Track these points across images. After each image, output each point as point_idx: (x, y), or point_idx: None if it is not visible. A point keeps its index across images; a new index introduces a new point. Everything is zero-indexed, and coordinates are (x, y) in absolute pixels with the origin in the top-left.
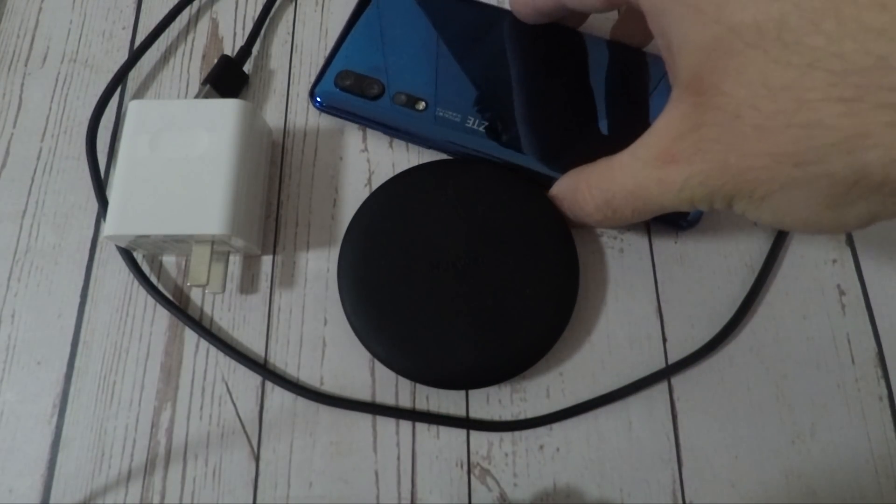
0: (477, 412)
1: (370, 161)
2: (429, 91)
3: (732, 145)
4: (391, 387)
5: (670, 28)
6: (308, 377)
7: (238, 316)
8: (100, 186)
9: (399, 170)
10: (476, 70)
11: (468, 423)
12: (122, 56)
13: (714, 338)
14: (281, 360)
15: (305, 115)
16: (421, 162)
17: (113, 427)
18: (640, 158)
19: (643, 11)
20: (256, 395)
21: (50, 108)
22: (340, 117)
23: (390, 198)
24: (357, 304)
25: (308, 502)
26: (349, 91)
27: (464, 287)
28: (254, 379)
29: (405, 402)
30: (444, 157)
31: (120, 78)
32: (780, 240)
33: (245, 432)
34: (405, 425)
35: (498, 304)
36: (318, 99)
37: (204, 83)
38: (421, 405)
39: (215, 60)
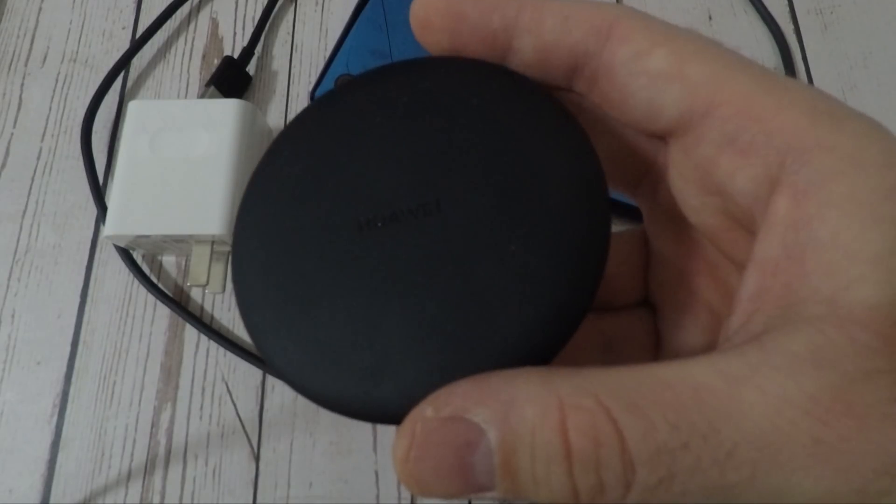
0: None
1: None
2: None
3: None
4: None
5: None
6: None
7: (238, 315)
8: (95, 181)
9: None
10: None
11: None
12: None
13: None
14: None
15: None
16: None
17: (113, 427)
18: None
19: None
20: (256, 395)
21: (50, 108)
22: None
23: (307, 131)
24: (247, 295)
25: (308, 502)
26: None
27: (414, 253)
28: (254, 379)
29: None
30: None
31: (114, 75)
32: None
33: (245, 432)
34: None
35: (471, 280)
36: None
37: (207, 84)
38: None
39: (215, 60)
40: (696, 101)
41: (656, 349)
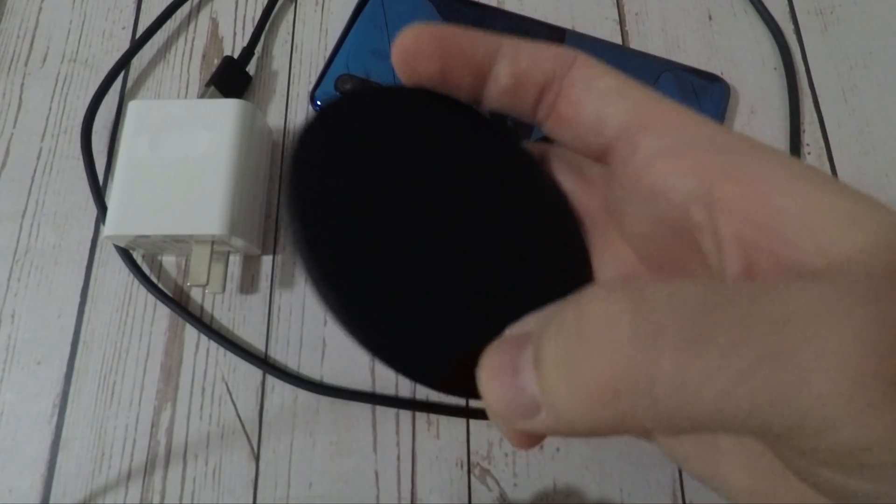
0: (477, 402)
1: None
2: None
3: None
4: (391, 388)
5: None
6: (308, 376)
7: (238, 316)
8: (95, 181)
9: None
10: None
11: (468, 413)
12: None
13: None
14: (281, 359)
15: (305, 115)
16: None
17: (113, 427)
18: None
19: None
20: (256, 395)
21: (50, 108)
22: None
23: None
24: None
25: (308, 502)
26: None
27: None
28: (254, 379)
29: (405, 396)
30: None
31: (114, 75)
32: None
33: (245, 432)
34: (405, 425)
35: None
36: (319, 103)
37: (207, 84)
38: (421, 399)
39: (215, 60)
40: (636, 115)
41: None
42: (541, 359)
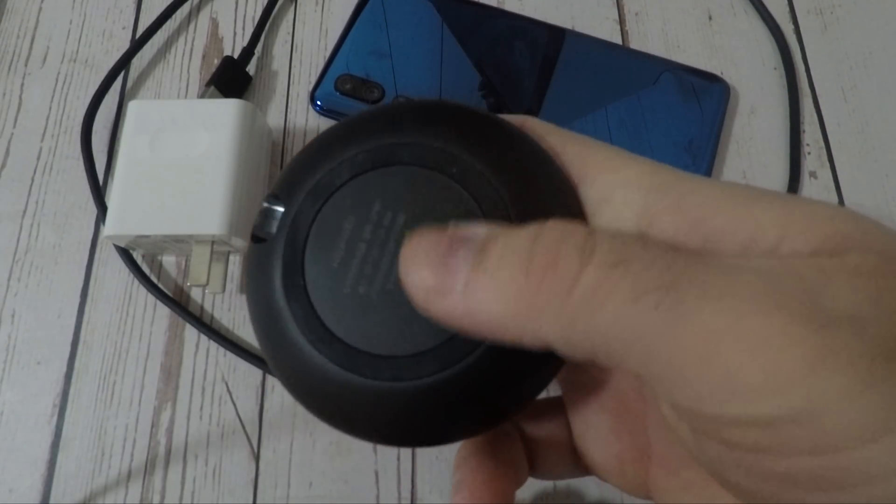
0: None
1: None
2: (430, 95)
3: None
4: None
5: None
6: None
7: (238, 316)
8: (95, 181)
9: None
10: (479, 74)
11: None
12: None
13: None
14: None
15: (305, 115)
16: None
17: (113, 427)
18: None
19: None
20: (256, 395)
21: (50, 108)
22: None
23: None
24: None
25: (308, 502)
26: (349, 95)
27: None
28: (254, 379)
29: None
30: None
31: (114, 75)
32: None
33: (245, 432)
34: None
35: None
36: (319, 103)
37: (207, 84)
38: None
39: (215, 60)
40: (574, 170)
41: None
42: (486, 255)
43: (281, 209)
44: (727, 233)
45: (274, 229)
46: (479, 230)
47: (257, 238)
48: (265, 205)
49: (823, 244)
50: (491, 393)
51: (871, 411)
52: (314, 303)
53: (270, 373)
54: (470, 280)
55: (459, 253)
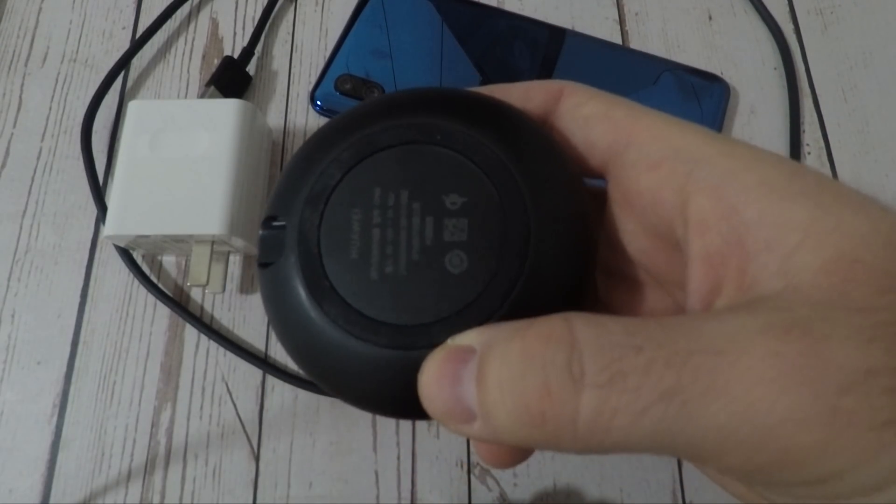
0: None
1: None
2: None
3: None
4: None
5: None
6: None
7: (238, 316)
8: (95, 181)
9: None
10: (479, 74)
11: None
12: None
13: None
14: (281, 359)
15: (305, 115)
16: None
17: (113, 427)
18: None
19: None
20: (256, 395)
21: (50, 108)
22: None
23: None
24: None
25: (308, 502)
26: (349, 95)
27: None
28: (254, 379)
29: None
30: None
31: (114, 75)
32: None
33: (245, 432)
34: (405, 425)
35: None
36: (319, 103)
37: (207, 84)
38: None
39: (215, 61)
40: (619, 134)
41: None
42: (485, 375)
43: (282, 226)
44: (753, 227)
45: (281, 250)
46: (473, 339)
47: (264, 264)
48: (263, 232)
49: (834, 265)
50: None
51: (882, 472)
52: (347, 298)
53: (269, 373)
54: (482, 407)
55: (464, 376)
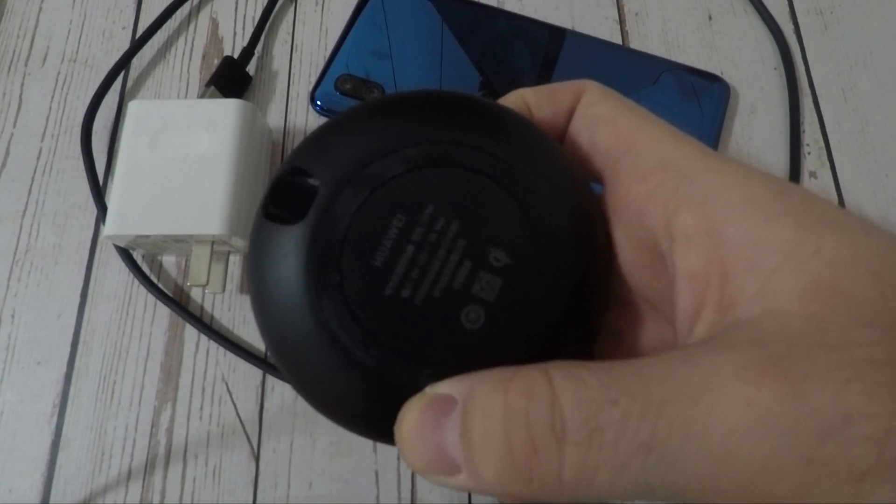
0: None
1: None
2: None
3: None
4: None
5: None
6: None
7: (238, 316)
8: (95, 181)
9: None
10: (479, 74)
11: None
12: None
13: None
14: None
15: (305, 115)
16: None
17: (113, 427)
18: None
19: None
20: (256, 395)
21: (50, 108)
22: None
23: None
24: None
25: (308, 502)
26: (349, 95)
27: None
28: (254, 379)
29: None
30: None
31: (114, 75)
32: None
33: (245, 432)
34: None
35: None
36: (319, 103)
37: (207, 84)
38: None
39: (215, 60)
40: (620, 139)
41: None
42: (469, 430)
43: (314, 186)
44: (734, 247)
45: (302, 212)
46: (453, 388)
47: (274, 216)
48: (286, 177)
49: (813, 292)
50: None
51: None
52: (350, 301)
53: (269, 373)
54: (468, 461)
55: (446, 428)
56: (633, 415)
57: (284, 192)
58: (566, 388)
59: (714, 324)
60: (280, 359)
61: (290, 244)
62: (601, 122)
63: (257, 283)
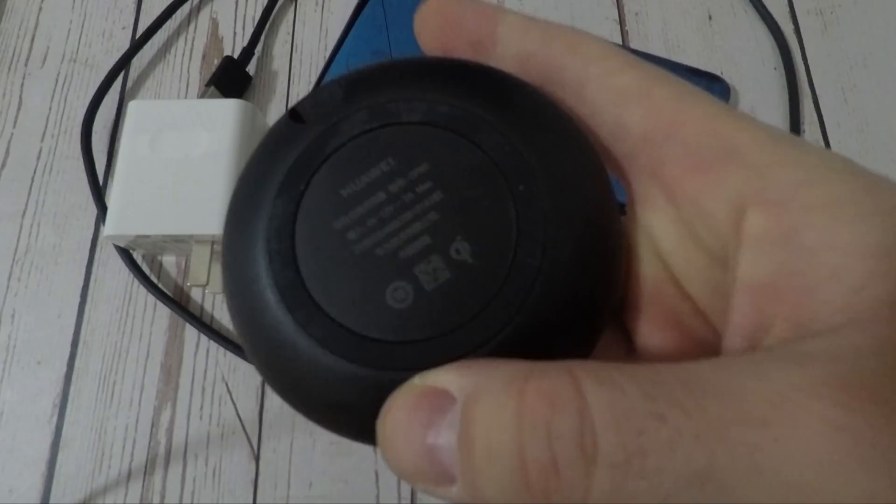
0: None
1: None
2: None
3: None
4: None
5: None
6: None
7: None
8: (95, 181)
9: None
10: None
11: None
12: None
13: None
14: None
15: None
16: None
17: (113, 427)
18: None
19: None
20: (256, 395)
21: (50, 108)
22: None
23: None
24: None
25: (308, 502)
26: None
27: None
28: (254, 379)
29: None
30: None
31: (114, 75)
32: None
33: (245, 432)
34: None
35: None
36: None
37: (207, 84)
38: None
39: (215, 60)
40: (659, 119)
41: None
42: (471, 436)
43: (338, 99)
44: (816, 254)
45: (318, 115)
46: (452, 382)
47: (295, 114)
48: (327, 86)
49: (869, 311)
50: (552, 341)
51: None
52: (299, 217)
53: None
54: (466, 473)
55: (440, 429)
56: (684, 436)
57: (314, 96)
58: (599, 396)
59: (786, 341)
60: (248, 347)
61: (287, 138)
62: (631, 96)
63: (246, 163)
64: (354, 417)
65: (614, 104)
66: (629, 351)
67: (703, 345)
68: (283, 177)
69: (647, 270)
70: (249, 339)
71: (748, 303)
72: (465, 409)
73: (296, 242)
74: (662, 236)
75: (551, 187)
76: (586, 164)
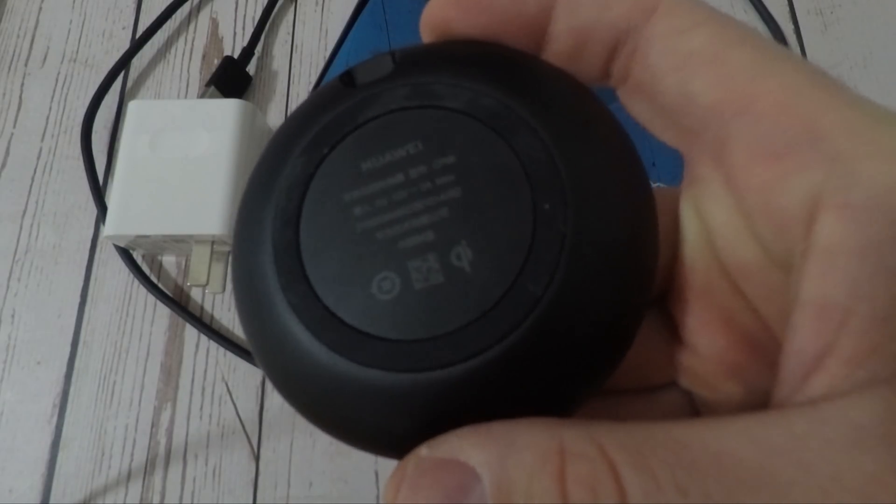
0: None
1: None
2: None
3: None
4: None
5: None
6: None
7: (238, 316)
8: (95, 181)
9: None
10: None
11: None
12: None
13: None
14: None
15: None
16: None
17: (113, 427)
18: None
19: None
20: (256, 395)
21: (50, 108)
22: None
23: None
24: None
25: (308, 502)
26: None
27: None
28: (254, 379)
29: None
30: None
31: (114, 75)
32: None
33: (245, 432)
34: None
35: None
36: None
37: (207, 84)
38: None
39: (215, 60)
40: (731, 90)
41: None
42: None
43: (389, 67)
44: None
45: (365, 84)
46: (474, 456)
47: (346, 78)
48: (385, 56)
49: None
50: (538, 386)
51: None
52: (314, 184)
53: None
54: None
55: None
56: None
57: (368, 62)
58: (637, 487)
59: (841, 380)
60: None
61: (331, 99)
62: (701, 61)
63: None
64: (308, 393)
65: (678, 70)
66: (672, 339)
67: (754, 345)
68: (311, 137)
69: (697, 260)
70: (235, 273)
71: (810, 326)
72: (497, 492)
73: (304, 205)
74: (718, 227)
75: (578, 212)
76: (627, 190)
